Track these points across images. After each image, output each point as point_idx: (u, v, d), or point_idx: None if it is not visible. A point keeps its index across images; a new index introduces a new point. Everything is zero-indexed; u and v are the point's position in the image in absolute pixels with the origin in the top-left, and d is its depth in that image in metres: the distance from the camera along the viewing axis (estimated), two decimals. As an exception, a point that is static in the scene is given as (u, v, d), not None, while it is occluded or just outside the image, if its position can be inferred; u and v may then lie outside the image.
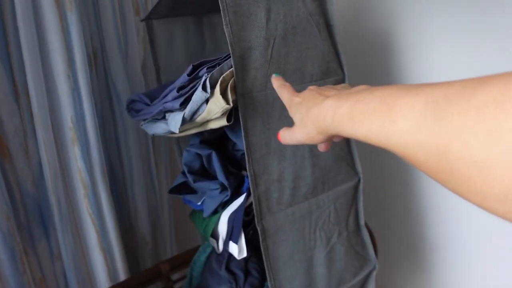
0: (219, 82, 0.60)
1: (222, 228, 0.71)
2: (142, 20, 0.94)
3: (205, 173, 0.76)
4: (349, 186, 0.83)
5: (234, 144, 0.78)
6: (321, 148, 0.51)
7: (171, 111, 0.67)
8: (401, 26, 1.07)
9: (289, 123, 0.69)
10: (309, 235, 0.77)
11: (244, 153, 0.72)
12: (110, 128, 1.08)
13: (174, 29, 0.93)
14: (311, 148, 0.75)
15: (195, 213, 0.85)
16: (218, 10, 0.62)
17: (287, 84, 0.55)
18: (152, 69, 0.97)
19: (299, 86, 0.72)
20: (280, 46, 0.69)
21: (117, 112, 1.07)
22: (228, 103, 0.60)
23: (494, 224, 1.19)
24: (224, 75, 0.61)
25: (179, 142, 0.94)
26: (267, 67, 0.68)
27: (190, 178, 0.73)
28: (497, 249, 1.27)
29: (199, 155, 0.74)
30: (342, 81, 0.81)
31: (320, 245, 0.78)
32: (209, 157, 0.73)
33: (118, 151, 1.10)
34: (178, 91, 0.62)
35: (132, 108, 0.79)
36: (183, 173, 0.79)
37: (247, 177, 0.72)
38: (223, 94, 0.61)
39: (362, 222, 0.86)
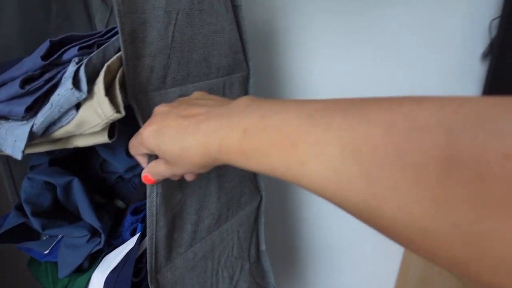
0: (102, 74, 0.36)
1: (95, 295, 0.47)
2: None
3: (59, 211, 0.49)
4: (252, 208, 0.68)
5: (104, 162, 0.53)
6: (188, 177, 0.42)
7: (5, 117, 0.39)
8: (285, 23, 0.96)
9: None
10: (211, 278, 0.59)
11: (120, 176, 0.49)
12: None
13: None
14: (218, 167, 0.56)
15: (39, 265, 0.55)
16: None
17: None
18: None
19: (203, 82, 0.53)
20: (184, 25, 0.48)
21: None
22: (118, 110, 0.37)
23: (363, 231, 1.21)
24: (109, 62, 0.37)
25: (8, 161, 0.60)
26: (167, 54, 0.46)
27: (36, 224, 0.45)
28: (367, 254, 1.33)
29: (50, 185, 0.47)
30: (247, 78, 0.64)
31: (223, 287, 0.61)
32: (67, 187, 0.47)
33: None
34: (22, 86, 0.35)
35: None
36: (17, 208, 0.50)
37: (132, 212, 0.49)
38: (108, 95, 0.37)
39: (263, 247, 0.72)
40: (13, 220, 0.50)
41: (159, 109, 0.36)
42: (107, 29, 0.41)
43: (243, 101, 0.31)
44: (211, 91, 0.54)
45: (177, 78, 0.48)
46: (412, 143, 0.20)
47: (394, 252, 1.37)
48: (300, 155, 0.25)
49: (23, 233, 0.53)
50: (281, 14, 0.94)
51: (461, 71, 1.20)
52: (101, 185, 0.54)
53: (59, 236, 0.52)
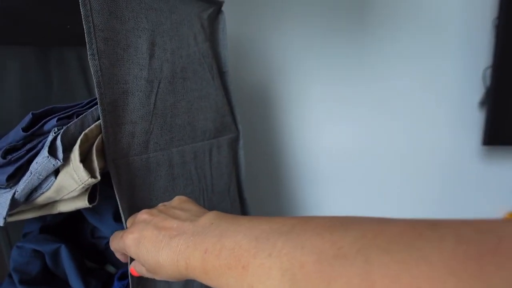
0: (78, 143, 0.38)
1: None
2: None
3: (49, 278, 0.50)
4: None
5: (94, 228, 0.54)
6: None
7: (-11, 186, 0.41)
8: (278, 78, 1.00)
9: (177, 194, 0.50)
10: None
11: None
12: None
13: (4, 61, 0.65)
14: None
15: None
16: (73, 43, 0.42)
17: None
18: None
19: (189, 146, 0.55)
20: (166, 92, 0.51)
21: None
22: (93, 175, 0.38)
23: None
24: (86, 131, 0.40)
25: (7, 228, 0.63)
26: (149, 121, 0.48)
27: (23, 293, 0.46)
28: None
29: (38, 253, 0.48)
30: (236, 139, 0.66)
31: None
32: (55, 254, 0.48)
33: None
34: (4, 156, 0.37)
35: None
36: (10, 276, 0.51)
37: (119, 279, 0.49)
38: (86, 161, 0.39)
39: None
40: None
41: (141, 217, 0.39)
42: (88, 100, 0.44)
43: (208, 218, 0.34)
44: (196, 154, 0.56)
45: (159, 143, 0.50)
46: (337, 272, 0.22)
47: None
48: (250, 278, 0.27)
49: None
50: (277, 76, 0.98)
51: (460, 120, 1.19)
52: (92, 250, 0.55)
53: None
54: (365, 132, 1.09)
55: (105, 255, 0.55)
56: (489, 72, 1.16)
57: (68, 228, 0.55)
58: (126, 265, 0.54)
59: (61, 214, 0.51)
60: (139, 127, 0.47)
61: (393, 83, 1.09)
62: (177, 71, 0.53)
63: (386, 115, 1.10)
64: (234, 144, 0.65)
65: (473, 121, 1.22)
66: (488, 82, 1.16)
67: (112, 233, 0.51)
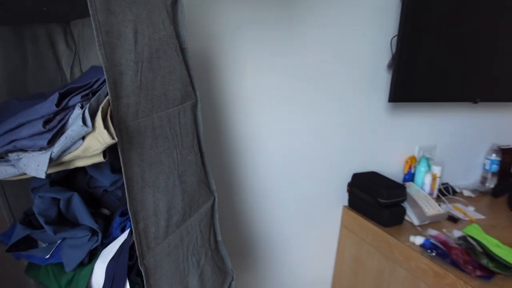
0: (99, 114, 0.52)
1: (98, 281, 0.60)
2: None
3: (62, 220, 0.63)
4: (208, 206, 0.84)
5: (90, 179, 0.67)
6: None
7: (24, 150, 0.53)
8: (220, 47, 1.15)
9: (160, 150, 0.66)
10: (183, 263, 0.74)
11: (105, 190, 0.64)
12: None
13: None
14: (179, 174, 0.72)
15: (38, 268, 0.68)
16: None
17: None
18: None
19: (164, 112, 0.69)
20: (147, 70, 0.64)
21: None
22: (113, 137, 0.52)
23: (305, 223, 1.44)
24: (102, 104, 0.53)
25: (3, 186, 0.72)
26: (137, 94, 0.62)
27: (49, 230, 0.59)
28: (309, 242, 1.53)
29: (55, 200, 0.60)
30: (195, 104, 0.81)
31: (193, 271, 0.77)
32: (68, 201, 0.61)
33: None
34: (44, 126, 0.50)
35: None
36: (22, 222, 0.63)
37: (120, 215, 0.64)
38: (105, 127, 0.52)
39: (219, 238, 0.89)
40: (20, 232, 0.63)
41: None
42: (95, 79, 0.56)
43: None
44: (170, 117, 0.70)
45: (145, 111, 0.64)
46: None
47: (331, 238, 1.60)
48: None
49: (26, 244, 0.66)
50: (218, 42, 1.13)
51: (371, 79, 1.47)
52: (88, 197, 0.68)
53: (58, 242, 0.65)
54: (290, 95, 1.30)
55: (100, 201, 0.69)
56: (395, 40, 1.42)
57: (69, 181, 0.67)
58: (119, 206, 0.69)
59: (63, 171, 0.64)
60: (131, 99, 0.60)
61: (315, 51, 1.30)
62: (153, 52, 0.66)
63: (308, 80, 1.32)
64: (194, 108, 0.80)
65: (382, 82, 1.50)
66: (393, 49, 1.43)
67: (110, 182, 0.65)
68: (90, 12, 0.52)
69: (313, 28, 1.27)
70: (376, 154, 1.61)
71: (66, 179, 0.68)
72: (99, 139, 0.51)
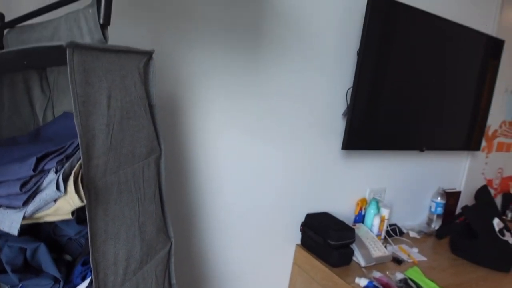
0: (71, 179, 0.57)
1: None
2: None
3: (27, 268, 0.67)
4: (165, 251, 0.90)
5: (55, 228, 0.72)
6: None
7: (-3, 207, 0.57)
8: (186, 90, 1.22)
9: (123, 204, 0.71)
10: (137, 309, 0.79)
11: (69, 238, 0.69)
12: None
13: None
14: (140, 225, 0.78)
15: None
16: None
17: None
18: None
19: (129, 168, 0.75)
20: (118, 131, 0.70)
21: None
22: (82, 200, 0.58)
23: (257, 261, 1.51)
24: (74, 169, 0.58)
25: None
26: (107, 154, 0.68)
27: (15, 278, 0.62)
28: (261, 279, 1.60)
29: (22, 249, 0.64)
30: (159, 156, 0.87)
31: (146, 315, 0.81)
32: (35, 251, 0.65)
33: None
34: (21, 189, 0.54)
35: None
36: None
37: (82, 264, 0.69)
38: (77, 191, 0.58)
39: (173, 281, 0.94)
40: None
41: None
42: (69, 143, 0.62)
43: None
44: (135, 172, 0.76)
45: (112, 169, 0.69)
46: None
47: (283, 275, 1.67)
48: None
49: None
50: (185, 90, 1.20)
51: (329, 125, 1.58)
52: (52, 244, 0.72)
53: (19, 286, 0.69)
54: (253, 135, 1.39)
55: (63, 248, 0.73)
56: (350, 91, 1.55)
57: (36, 228, 0.71)
58: (81, 254, 0.73)
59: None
60: (101, 160, 0.66)
61: (279, 96, 1.40)
62: (124, 114, 0.72)
63: (271, 123, 1.41)
64: (158, 160, 0.86)
65: (338, 128, 1.62)
66: (348, 100, 1.56)
67: (75, 232, 0.70)
68: (70, 87, 0.58)
69: (276, 77, 1.38)
70: (329, 195, 1.72)
71: (33, 226, 0.72)
72: (70, 202, 0.56)
